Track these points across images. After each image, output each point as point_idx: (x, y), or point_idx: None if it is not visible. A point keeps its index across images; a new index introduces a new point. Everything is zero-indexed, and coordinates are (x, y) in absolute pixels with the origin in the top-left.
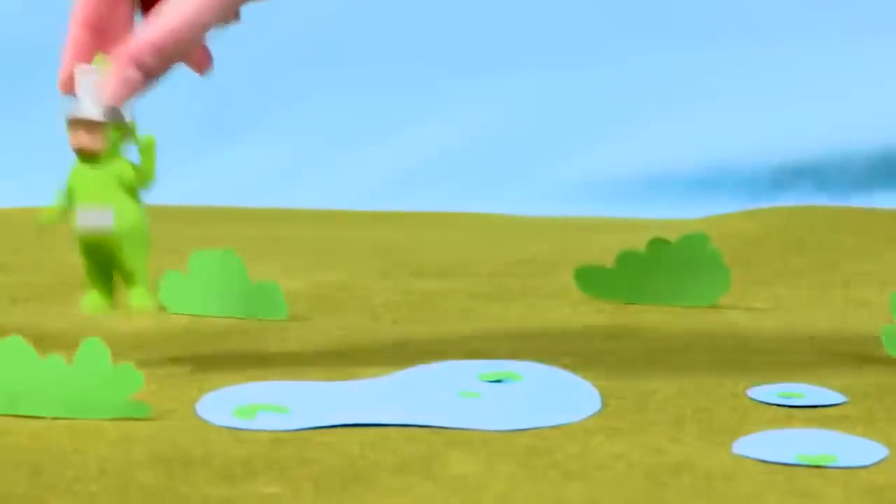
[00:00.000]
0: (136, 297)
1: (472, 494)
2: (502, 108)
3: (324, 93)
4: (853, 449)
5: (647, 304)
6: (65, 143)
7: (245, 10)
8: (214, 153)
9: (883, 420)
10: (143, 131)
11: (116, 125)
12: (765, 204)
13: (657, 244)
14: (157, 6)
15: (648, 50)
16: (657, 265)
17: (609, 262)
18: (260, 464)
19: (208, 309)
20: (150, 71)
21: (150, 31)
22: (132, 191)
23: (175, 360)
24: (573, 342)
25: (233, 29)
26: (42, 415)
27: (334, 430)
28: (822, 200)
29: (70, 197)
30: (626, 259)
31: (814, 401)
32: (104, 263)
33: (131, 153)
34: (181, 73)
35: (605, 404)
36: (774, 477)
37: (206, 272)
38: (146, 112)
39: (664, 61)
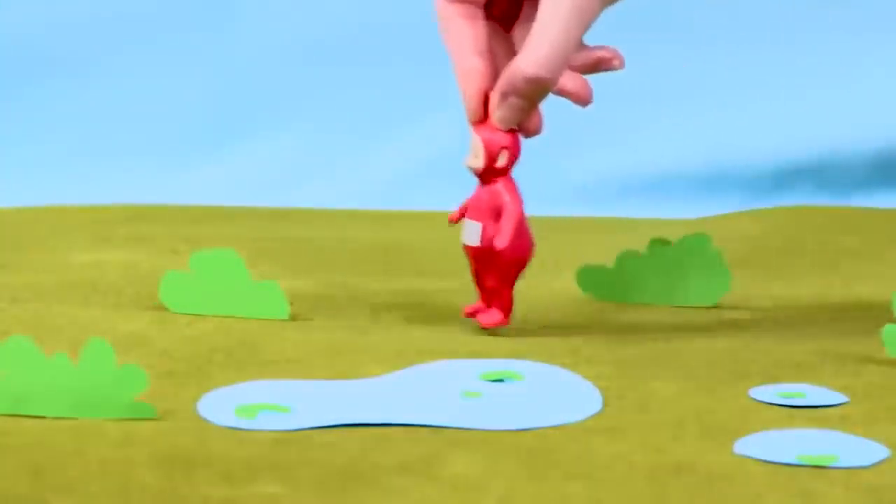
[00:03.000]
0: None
1: (474, 495)
2: None
3: (324, 93)
4: (854, 449)
5: (648, 304)
6: (64, 142)
7: (244, 11)
8: (214, 153)
9: (884, 420)
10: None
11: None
12: (765, 204)
13: (657, 244)
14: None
15: (648, 50)
16: (657, 265)
17: (609, 262)
18: (261, 463)
19: (209, 308)
20: (532, 98)
21: (524, 61)
22: None
23: (175, 360)
24: (573, 342)
25: (232, 30)
26: (46, 414)
27: (335, 429)
28: (822, 200)
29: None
30: (627, 259)
31: (815, 401)
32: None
33: None
34: (178, 74)
35: (605, 404)
36: (776, 477)
37: (206, 272)
38: (146, 113)
39: (664, 61)
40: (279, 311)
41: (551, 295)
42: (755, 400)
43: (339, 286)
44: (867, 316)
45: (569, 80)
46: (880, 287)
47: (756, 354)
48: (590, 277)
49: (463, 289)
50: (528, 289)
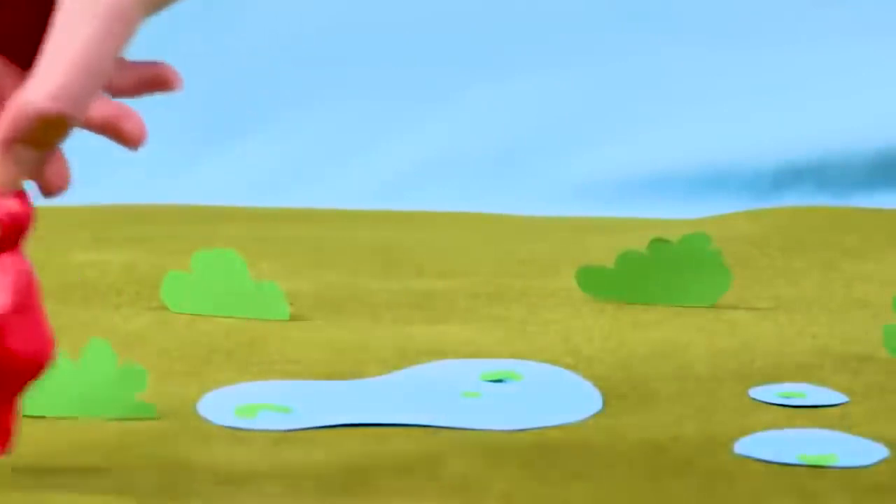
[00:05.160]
0: None
1: (474, 495)
2: (502, 108)
3: (324, 93)
4: (854, 449)
5: (648, 304)
6: (63, 142)
7: (245, 11)
8: (214, 153)
9: (883, 420)
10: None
11: None
12: (765, 204)
13: (658, 244)
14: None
15: (648, 50)
16: (658, 265)
17: (609, 262)
18: (261, 463)
19: (209, 309)
20: (47, 143)
21: (33, 92)
22: None
23: (175, 360)
24: (573, 342)
25: (232, 30)
26: (46, 414)
27: (335, 429)
28: (822, 200)
29: None
30: (627, 259)
31: (815, 401)
32: None
33: None
34: (180, 73)
35: (605, 404)
36: (776, 477)
37: (207, 272)
38: (146, 113)
39: (664, 61)
40: (279, 311)
41: (551, 295)
42: (755, 400)
43: (339, 286)
44: (867, 316)
45: (106, 110)
46: (880, 287)
47: (756, 354)
48: (590, 277)
49: (463, 289)
50: (528, 289)
